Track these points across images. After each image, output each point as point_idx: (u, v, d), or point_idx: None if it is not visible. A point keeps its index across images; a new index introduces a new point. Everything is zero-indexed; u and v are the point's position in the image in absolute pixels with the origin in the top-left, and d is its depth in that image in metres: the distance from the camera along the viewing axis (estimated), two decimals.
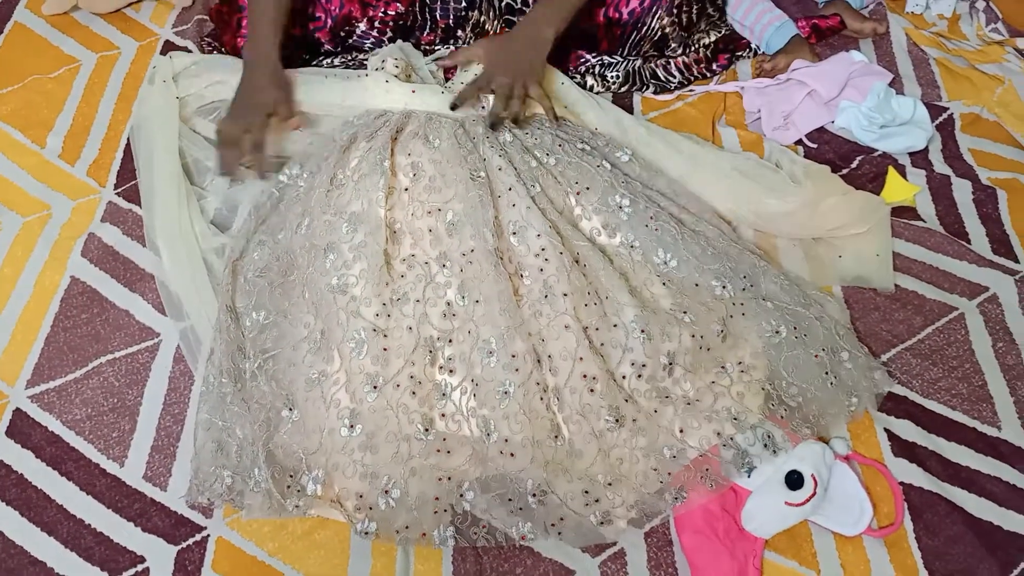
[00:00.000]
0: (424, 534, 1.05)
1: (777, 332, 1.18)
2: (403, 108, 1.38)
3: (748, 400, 1.13)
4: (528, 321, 1.16)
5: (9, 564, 1.04)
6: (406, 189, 1.29)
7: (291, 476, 1.07)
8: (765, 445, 1.09)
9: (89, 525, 1.08)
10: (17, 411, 1.17)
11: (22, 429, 1.15)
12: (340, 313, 1.14)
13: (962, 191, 1.46)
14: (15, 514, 1.08)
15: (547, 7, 1.39)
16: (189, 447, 1.12)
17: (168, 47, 1.64)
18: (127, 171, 1.44)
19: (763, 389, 1.15)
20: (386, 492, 1.06)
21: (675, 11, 1.60)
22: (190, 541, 1.07)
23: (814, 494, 1.06)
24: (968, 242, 1.39)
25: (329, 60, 1.58)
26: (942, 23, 1.79)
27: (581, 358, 1.12)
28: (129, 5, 1.71)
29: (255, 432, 1.09)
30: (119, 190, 1.42)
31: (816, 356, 1.17)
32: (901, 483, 1.12)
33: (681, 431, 1.11)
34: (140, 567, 1.05)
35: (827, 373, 1.15)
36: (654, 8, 1.58)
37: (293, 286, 1.22)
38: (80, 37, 1.66)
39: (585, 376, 1.11)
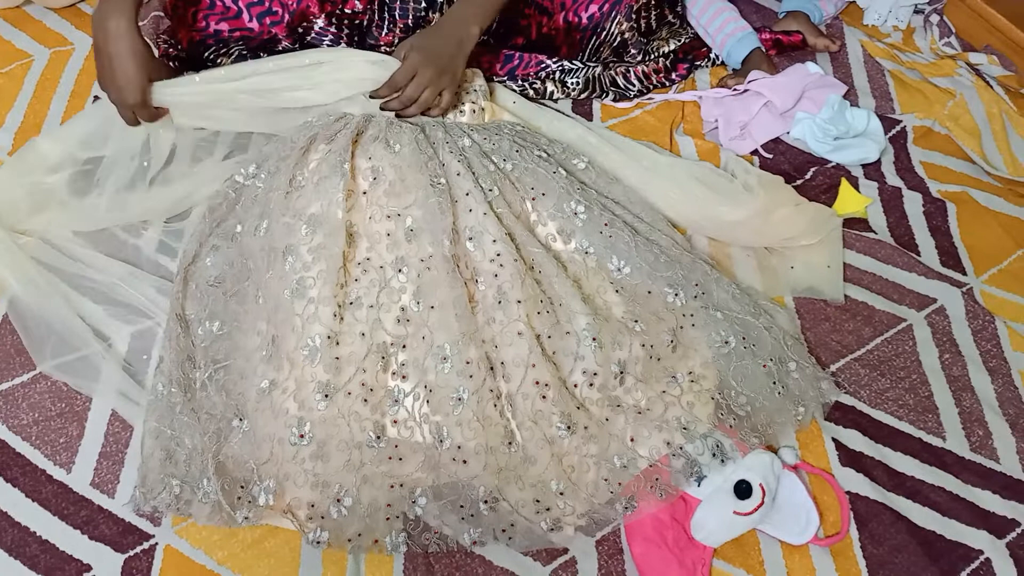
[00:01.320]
0: (376, 541, 1.05)
1: (727, 343, 1.19)
2: (361, 111, 1.37)
3: (698, 410, 1.15)
4: (482, 327, 1.16)
5: None
6: (364, 192, 1.28)
7: (242, 487, 1.06)
8: (714, 454, 1.10)
9: (34, 532, 1.06)
10: None
11: None
12: (296, 319, 1.14)
13: (913, 203, 1.49)
14: None
15: (473, 3, 1.37)
16: (138, 454, 1.10)
17: None
18: None
19: (713, 399, 1.16)
20: (338, 501, 1.05)
21: (634, 16, 1.62)
22: (138, 549, 1.05)
23: (762, 503, 1.08)
24: (918, 254, 1.42)
25: None
26: (897, 35, 1.82)
27: (533, 365, 1.12)
28: (84, 0, 1.68)
29: (205, 443, 1.07)
30: None
31: (764, 366, 1.18)
32: (848, 492, 1.14)
33: (632, 440, 1.12)
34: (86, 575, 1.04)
35: (775, 383, 1.17)
36: (613, 13, 1.59)
37: (247, 292, 1.21)
38: (33, 32, 1.63)
39: (537, 383, 1.11)
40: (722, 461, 1.10)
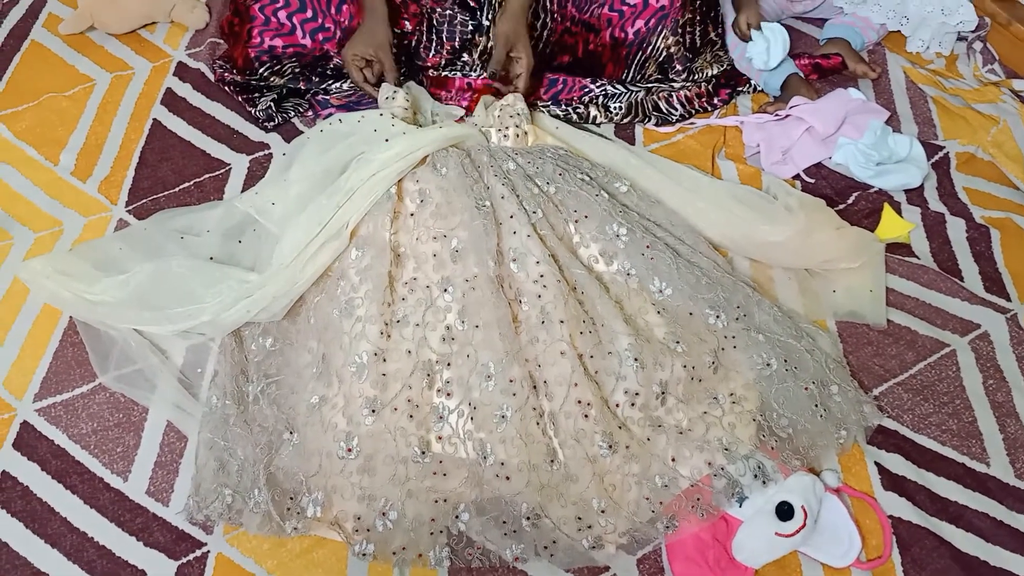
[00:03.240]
0: (420, 555, 1.06)
1: (768, 364, 1.20)
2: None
3: (739, 431, 1.15)
4: (525, 347, 1.18)
5: (13, 575, 1.06)
6: (412, 214, 1.32)
7: (291, 498, 1.09)
8: (756, 476, 1.11)
9: (92, 538, 1.10)
10: (24, 424, 1.19)
11: (29, 442, 1.17)
12: (344, 337, 1.17)
13: (956, 229, 1.48)
14: (19, 525, 1.10)
15: None
16: (192, 463, 1.14)
17: (181, 69, 1.67)
18: (139, 189, 1.47)
19: (754, 420, 1.17)
20: (383, 514, 1.08)
21: (680, 31, 1.63)
22: (190, 556, 1.08)
23: (804, 525, 1.08)
24: (961, 280, 1.42)
25: (338, 85, 1.62)
26: (939, 62, 1.82)
27: (576, 384, 1.14)
28: (144, 27, 1.75)
29: (256, 454, 1.11)
30: (130, 208, 1.44)
31: (806, 388, 1.19)
32: (890, 516, 1.14)
33: (673, 460, 1.13)
34: None
35: (817, 405, 1.18)
36: (659, 28, 1.61)
37: (299, 312, 1.26)
38: (95, 57, 1.70)
39: (580, 402, 1.13)
40: (764, 482, 1.11)
